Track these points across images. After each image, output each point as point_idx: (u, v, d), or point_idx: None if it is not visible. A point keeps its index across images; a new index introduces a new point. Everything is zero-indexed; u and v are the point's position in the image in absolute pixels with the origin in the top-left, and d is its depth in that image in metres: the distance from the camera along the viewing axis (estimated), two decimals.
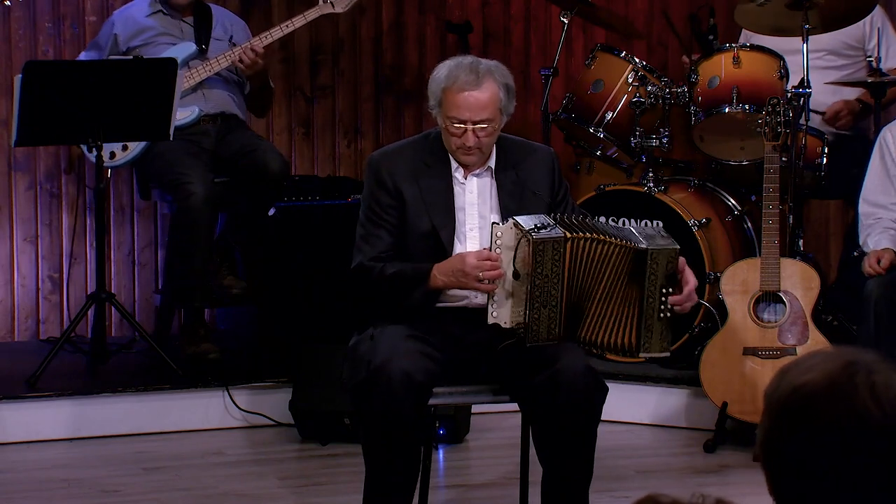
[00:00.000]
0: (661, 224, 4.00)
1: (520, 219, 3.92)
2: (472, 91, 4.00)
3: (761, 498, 1.89)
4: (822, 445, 1.74)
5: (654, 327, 3.96)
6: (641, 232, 3.98)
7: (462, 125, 4.01)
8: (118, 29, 5.96)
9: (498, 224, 3.94)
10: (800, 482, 1.76)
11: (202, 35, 6.02)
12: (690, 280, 4.00)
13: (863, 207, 5.18)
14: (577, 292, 3.93)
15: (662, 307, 3.94)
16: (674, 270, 3.95)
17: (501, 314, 3.93)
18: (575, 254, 3.90)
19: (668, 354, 4.10)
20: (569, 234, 3.89)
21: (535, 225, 3.88)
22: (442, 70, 4.07)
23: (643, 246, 3.91)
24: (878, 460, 1.73)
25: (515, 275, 3.89)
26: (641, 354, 4.02)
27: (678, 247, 3.97)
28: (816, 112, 5.96)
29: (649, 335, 3.97)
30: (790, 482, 1.77)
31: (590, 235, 3.91)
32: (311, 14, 6.05)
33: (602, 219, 4.00)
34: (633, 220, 3.99)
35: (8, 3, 6.13)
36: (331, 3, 6.08)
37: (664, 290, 3.94)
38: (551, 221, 3.91)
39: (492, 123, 4.02)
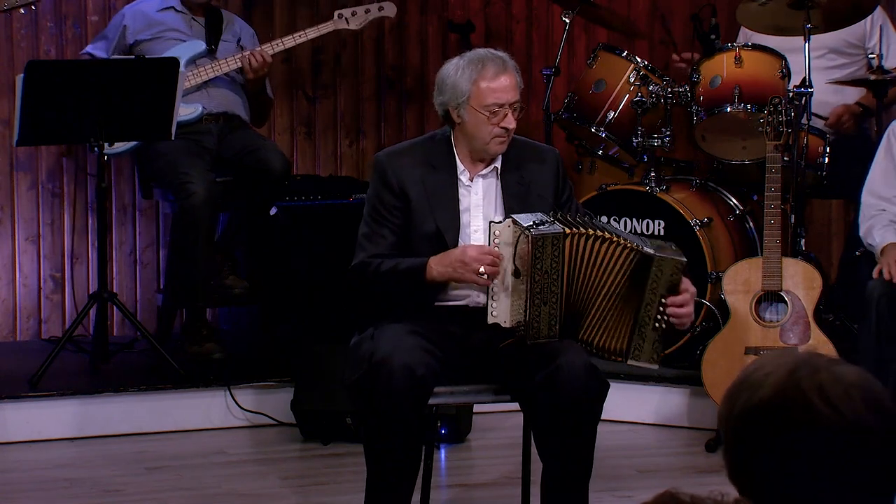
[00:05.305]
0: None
1: (518, 217, 3.94)
2: (505, 74, 4.09)
3: None
4: (789, 459, 1.73)
5: (648, 336, 3.97)
6: (652, 241, 4.02)
7: (502, 108, 4.06)
8: (128, 21, 5.97)
9: (496, 223, 3.96)
10: (777, 498, 1.75)
11: (212, 35, 6.03)
12: (690, 288, 4.01)
13: (866, 198, 5.16)
14: (577, 290, 3.95)
15: (659, 316, 3.95)
16: (677, 283, 3.95)
17: (501, 313, 3.94)
18: (575, 250, 3.93)
19: (655, 367, 4.09)
20: (567, 230, 3.91)
21: (534, 221, 3.91)
22: (461, 67, 4.10)
23: (650, 251, 3.92)
24: (845, 459, 1.71)
25: (515, 272, 3.91)
26: (630, 361, 4.01)
27: (685, 260, 3.98)
28: (819, 117, 5.95)
29: (641, 342, 3.97)
30: (769, 499, 1.76)
31: (591, 232, 3.93)
32: (325, 28, 6.08)
33: (603, 219, 4.02)
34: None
35: (33, 7, 6.12)
36: (346, 19, 6.09)
37: (663, 301, 3.95)
38: (549, 218, 3.94)
39: (521, 103, 4.13)
